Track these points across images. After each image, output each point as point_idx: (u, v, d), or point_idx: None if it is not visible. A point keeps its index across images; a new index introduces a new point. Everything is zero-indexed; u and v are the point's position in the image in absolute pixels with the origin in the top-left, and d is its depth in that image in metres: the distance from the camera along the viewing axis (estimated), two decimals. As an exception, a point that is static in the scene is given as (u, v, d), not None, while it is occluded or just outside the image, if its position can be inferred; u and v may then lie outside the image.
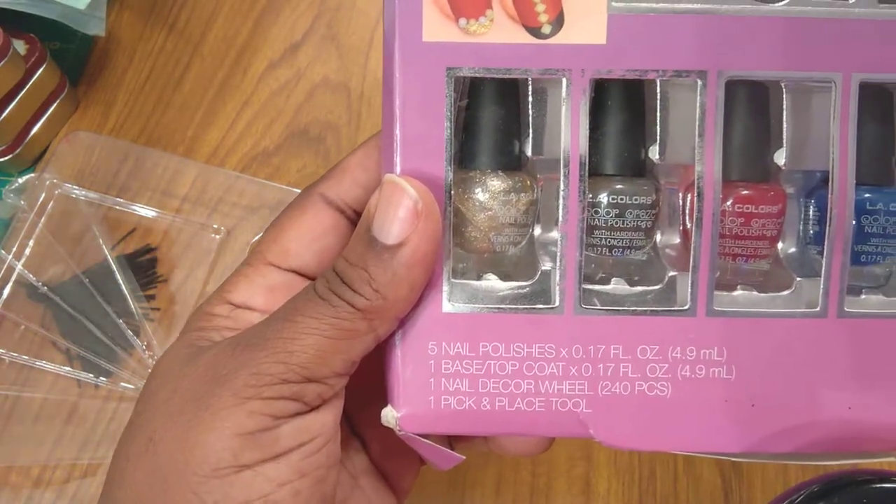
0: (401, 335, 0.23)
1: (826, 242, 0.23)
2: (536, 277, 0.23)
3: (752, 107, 0.24)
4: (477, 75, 0.22)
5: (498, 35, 0.21)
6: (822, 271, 0.23)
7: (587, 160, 0.22)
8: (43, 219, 0.43)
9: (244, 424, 0.21)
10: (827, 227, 0.23)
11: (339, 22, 0.50)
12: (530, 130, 0.24)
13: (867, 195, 0.23)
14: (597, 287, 0.24)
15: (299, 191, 0.45)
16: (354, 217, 0.25)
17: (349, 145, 0.46)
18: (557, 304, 0.23)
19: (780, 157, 0.24)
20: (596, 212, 0.23)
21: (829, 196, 0.22)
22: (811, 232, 0.25)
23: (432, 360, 0.23)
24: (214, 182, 0.45)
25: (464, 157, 0.24)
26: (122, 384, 0.41)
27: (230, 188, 0.45)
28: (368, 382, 0.24)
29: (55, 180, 0.44)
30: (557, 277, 0.23)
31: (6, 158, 0.45)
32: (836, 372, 0.23)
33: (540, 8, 0.21)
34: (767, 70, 0.22)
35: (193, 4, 0.51)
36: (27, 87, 0.44)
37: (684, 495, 0.38)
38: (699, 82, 0.22)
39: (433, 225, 0.21)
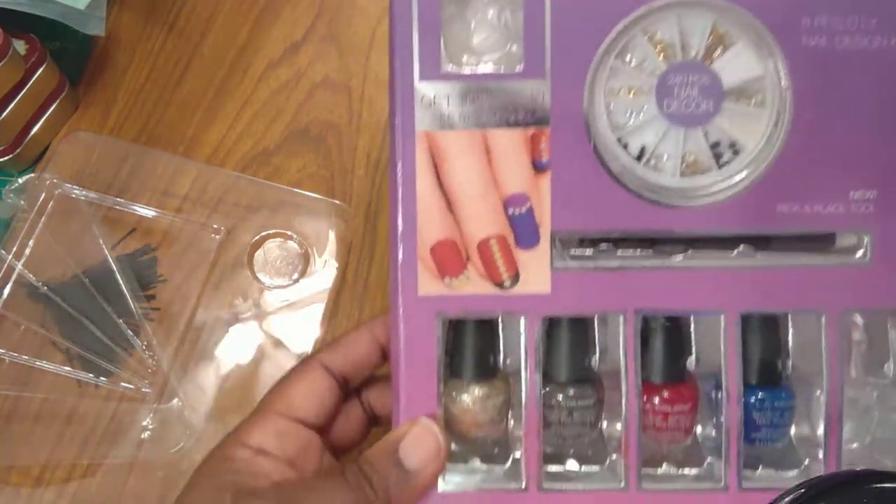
0: None
1: (724, 433, 0.30)
2: (509, 464, 0.31)
3: (666, 332, 0.31)
4: (458, 317, 0.30)
5: (472, 288, 0.29)
6: (722, 455, 0.29)
7: (541, 372, 0.30)
8: (43, 219, 0.43)
9: None
10: (723, 421, 0.30)
11: (340, 21, 0.50)
12: (501, 349, 0.31)
13: (758, 394, 0.30)
14: (555, 468, 0.31)
15: (299, 191, 0.45)
16: (343, 383, 0.32)
17: (349, 145, 0.46)
18: (524, 485, 0.30)
19: (691, 364, 0.31)
20: (552, 409, 0.30)
21: (724, 400, 0.30)
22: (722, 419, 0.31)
23: None
24: (214, 182, 0.45)
25: (453, 370, 0.31)
26: (122, 384, 0.41)
27: (230, 188, 0.45)
28: None
29: (55, 180, 0.44)
30: (524, 464, 0.30)
31: (6, 158, 0.45)
32: None
33: (502, 269, 0.29)
34: (672, 307, 0.29)
35: (193, 4, 0.51)
36: (27, 87, 0.44)
37: None
38: (621, 317, 0.29)
39: (444, 458, 0.29)
